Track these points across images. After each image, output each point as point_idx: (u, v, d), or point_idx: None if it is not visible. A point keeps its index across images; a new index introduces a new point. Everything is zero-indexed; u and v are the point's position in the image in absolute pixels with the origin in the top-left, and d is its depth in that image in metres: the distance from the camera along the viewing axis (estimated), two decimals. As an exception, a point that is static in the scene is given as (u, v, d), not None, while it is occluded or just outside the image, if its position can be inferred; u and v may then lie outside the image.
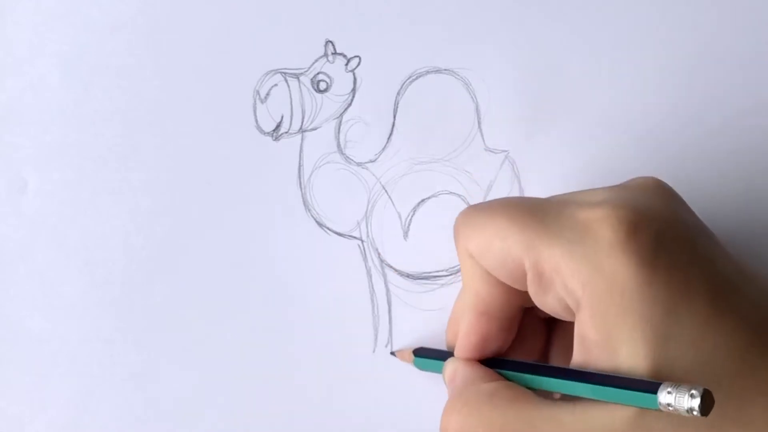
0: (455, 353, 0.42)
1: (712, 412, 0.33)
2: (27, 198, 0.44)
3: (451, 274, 0.45)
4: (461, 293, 0.42)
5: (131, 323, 0.45)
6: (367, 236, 0.46)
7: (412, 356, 0.44)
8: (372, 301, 0.45)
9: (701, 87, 0.46)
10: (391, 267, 0.46)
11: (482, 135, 0.46)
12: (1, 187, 0.44)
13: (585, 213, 0.37)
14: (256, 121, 0.45)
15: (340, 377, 0.45)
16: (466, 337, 0.41)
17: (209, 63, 0.45)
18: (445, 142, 0.46)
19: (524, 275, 0.38)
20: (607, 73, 0.46)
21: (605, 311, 0.35)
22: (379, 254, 0.46)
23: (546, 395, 0.39)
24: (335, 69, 0.45)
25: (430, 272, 0.46)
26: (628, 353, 0.35)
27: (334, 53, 0.45)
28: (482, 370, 0.41)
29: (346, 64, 0.45)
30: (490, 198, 0.46)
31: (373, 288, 0.45)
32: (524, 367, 0.40)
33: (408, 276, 0.46)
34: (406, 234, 0.46)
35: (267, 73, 0.45)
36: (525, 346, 0.43)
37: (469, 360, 0.41)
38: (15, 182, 0.44)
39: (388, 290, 0.45)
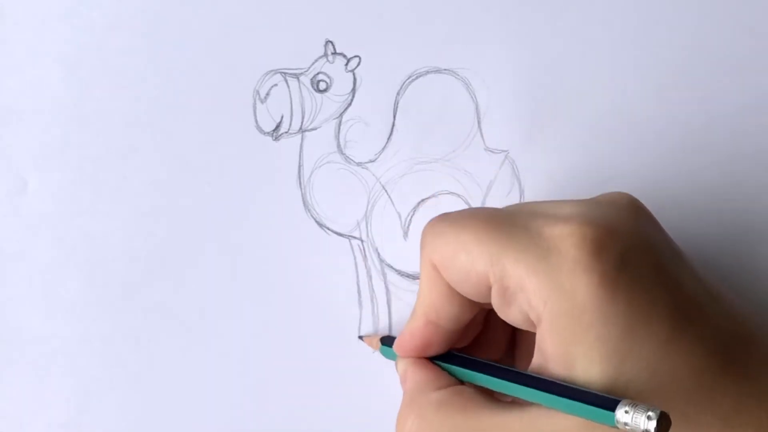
0: (394, 348, 0.42)
1: None
2: (27, 198, 0.44)
3: (451, 274, 0.45)
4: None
5: (131, 323, 0.45)
6: (367, 236, 0.46)
7: (379, 343, 0.44)
8: (372, 301, 0.45)
9: (702, 87, 0.46)
10: (391, 267, 0.46)
11: (482, 135, 0.46)
12: (1, 187, 0.44)
13: (551, 228, 0.37)
14: (256, 121, 0.45)
15: (339, 377, 0.45)
16: (409, 339, 0.41)
17: (209, 63, 0.45)
18: (445, 142, 0.46)
19: (488, 289, 0.38)
20: (607, 73, 0.46)
21: (564, 328, 0.35)
22: (379, 254, 0.46)
23: (502, 396, 0.39)
24: (335, 69, 0.45)
25: (430, 272, 0.46)
26: (584, 370, 0.35)
27: (334, 53, 0.45)
28: (433, 372, 0.41)
29: (346, 64, 0.45)
30: (489, 198, 0.46)
31: (373, 288, 0.45)
32: (479, 367, 0.40)
33: (408, 276, 0.46)
34: (406, 234, 0.46)
35: (267, 73, 0.45)
36: (490, 344, 0.43)
37: (419, 360, 0.41)
38: (15, 182, 0.44)
39: (388, 290, 0.45)
